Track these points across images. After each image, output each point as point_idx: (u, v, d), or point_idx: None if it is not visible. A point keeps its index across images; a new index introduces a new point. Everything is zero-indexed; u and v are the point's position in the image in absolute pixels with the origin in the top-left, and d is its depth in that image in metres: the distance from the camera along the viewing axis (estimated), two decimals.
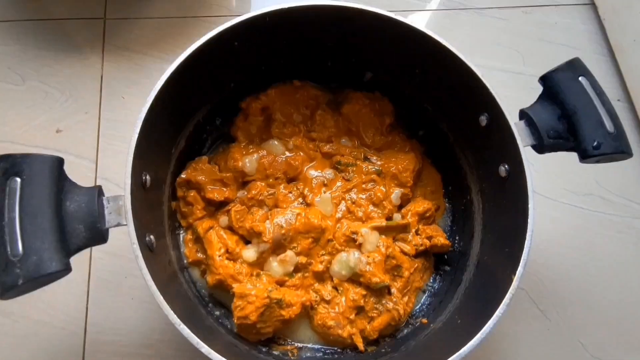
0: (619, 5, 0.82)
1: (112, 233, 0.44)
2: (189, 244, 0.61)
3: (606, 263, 0.71)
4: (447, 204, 0.68)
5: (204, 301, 0.59)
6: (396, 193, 0.64)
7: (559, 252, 0.71)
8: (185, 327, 0.42)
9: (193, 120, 0.62)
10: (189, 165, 0.62)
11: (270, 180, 0.63)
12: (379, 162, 0.66)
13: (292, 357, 0.57)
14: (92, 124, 0.74)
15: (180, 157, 0.61)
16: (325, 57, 0.65)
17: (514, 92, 0.70)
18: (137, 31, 0.81)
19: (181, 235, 0.62)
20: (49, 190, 0.41)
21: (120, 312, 0.64)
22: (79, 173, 0.70)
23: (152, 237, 0.49)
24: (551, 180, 0.75)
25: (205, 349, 0.41)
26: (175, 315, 0.42)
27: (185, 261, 0.60)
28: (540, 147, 0.52)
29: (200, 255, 0.60)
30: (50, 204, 0.41)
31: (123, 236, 0.46)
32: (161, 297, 0.42)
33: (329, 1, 0.55)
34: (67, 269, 0.40)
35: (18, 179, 0.40)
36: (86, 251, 0.43)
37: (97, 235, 0.43)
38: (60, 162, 0.43)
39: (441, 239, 0.62)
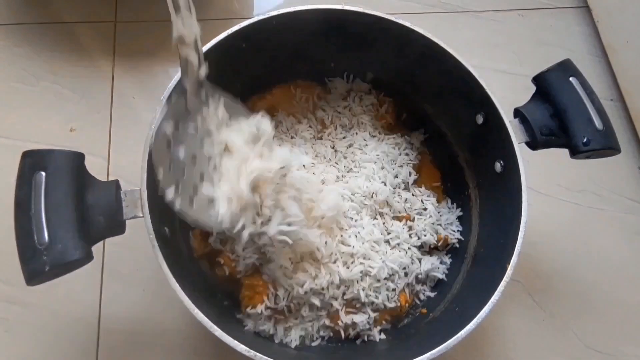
0: (612, 8, 0.84)
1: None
2: (197, 237, 0.62)
3: (599, 256, 0.73)
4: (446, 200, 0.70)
5: (212, 292, 0.60)
6: None
7: (553, 246, 0.73)
8: (199, 311, 0.44)
9: None
10: None
11: None
12: None
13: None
14: (104, 124, 0.76)
15: None
16: (328, 58, 0.67)
17: (510, 92, 0.70)
18: (147, 34, 0.82)
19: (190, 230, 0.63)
20: (72, 183, 0.44)
21: (132, 303, 0.66)
22: (92, 170, 0.70)
23: (166, 228, 0.51)
24: (546, 177, 0.76)
25: (218, 332, 0.43)
26: (190, 301, 0.44)
27: (194, 254, 0.62)
28: (533, 144, 0.54)
29: (208, 248, 0.61)
30: (72, 197, 0.43)
31: (135, 230, 0.48)
32: (177, 285, 0.44)
33: (332, 5, 0.57)
34: (89, 257, 0.42)
35: (43, 173, 0.43)
36: (99, 244, 0.46)
37: (116, 226, 0.45)
38: (81, 157, 0.46)
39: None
